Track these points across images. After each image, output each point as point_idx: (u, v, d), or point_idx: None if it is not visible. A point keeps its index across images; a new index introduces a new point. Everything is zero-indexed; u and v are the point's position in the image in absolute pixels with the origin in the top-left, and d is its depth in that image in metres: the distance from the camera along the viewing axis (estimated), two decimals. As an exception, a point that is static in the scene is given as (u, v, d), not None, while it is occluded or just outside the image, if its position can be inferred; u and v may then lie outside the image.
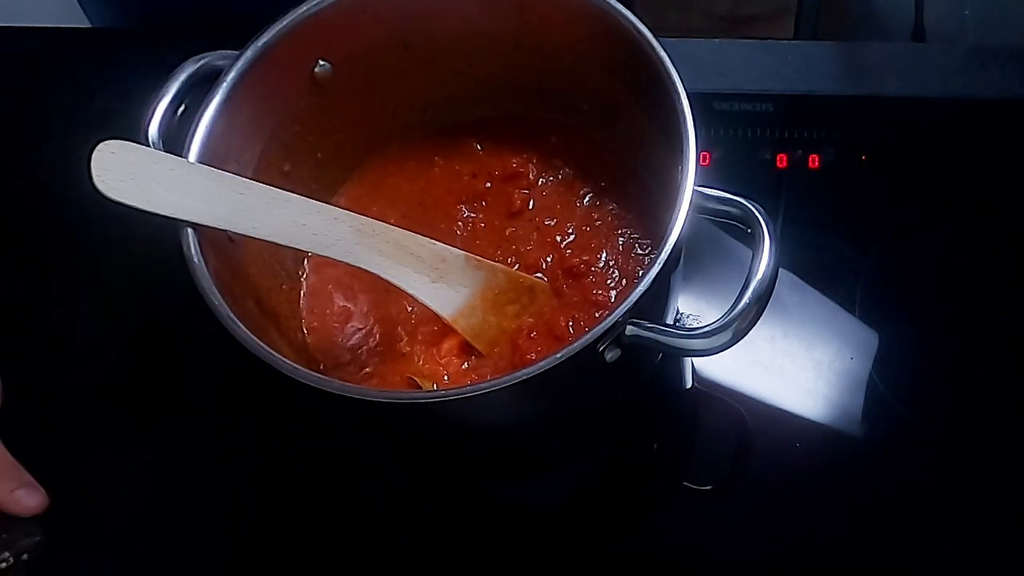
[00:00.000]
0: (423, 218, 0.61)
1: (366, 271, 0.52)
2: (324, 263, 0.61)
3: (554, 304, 0.57)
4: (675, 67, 0.50)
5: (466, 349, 0.56)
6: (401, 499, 0.61)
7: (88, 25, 0.85)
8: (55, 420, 0.64)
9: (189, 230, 0.49)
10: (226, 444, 0.63)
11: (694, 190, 0.47)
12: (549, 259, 0.58)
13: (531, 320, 0.56)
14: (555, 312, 0.56)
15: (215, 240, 0.51)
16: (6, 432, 0.59)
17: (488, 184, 0.62)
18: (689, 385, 0.63)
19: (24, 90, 0.77)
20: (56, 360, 0.67)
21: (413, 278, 0.53)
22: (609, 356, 0.46)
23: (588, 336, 0.44)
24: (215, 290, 0.48)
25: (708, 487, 0.61)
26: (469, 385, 0.44)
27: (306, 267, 0.61)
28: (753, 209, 0.47)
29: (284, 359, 0.46)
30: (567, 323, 0.56)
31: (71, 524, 0.62)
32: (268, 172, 0.58)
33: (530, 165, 0.62)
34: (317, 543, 0.59)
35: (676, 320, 0.63)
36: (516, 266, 0.59)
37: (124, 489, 0.62)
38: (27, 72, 0.78)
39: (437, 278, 0.54)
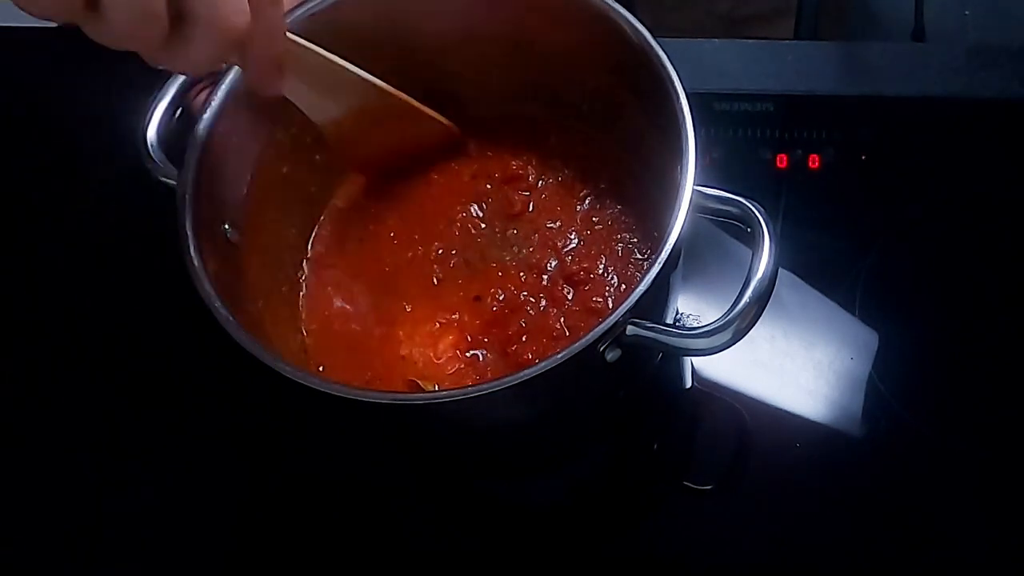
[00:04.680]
0: (423, 220, 0.61)
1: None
2: (323, 265, 0.61)
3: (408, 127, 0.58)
4: (674, 67, 0.50)
5: (464, 349, 0.56)
6: (401, 499, 0.61)
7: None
8: (55, 421, 0.65)
9: (189, 231, 0.49)
10: (225, 446, 0.63)
11: (694, 190, 0.47)
12: (551, 263, 0.58)
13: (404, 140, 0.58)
14: (552, 316, 0.56)
15: (214, 242, 0.51)
16: (6, 432, 0.59)
17: (488, 185, 0.62)
18: (689, 385, 0.63)
19: (23, 91, 0.77)
20: (56, 361, 0.67)
21: (302, 90, 0.53)
22: (610, 356, 0.46)
23: (589, 336, 0.44)
24: (214, 293, 0.48)
25: (708, 487, 0.61)
26: (470, 386, 0.44)
27: (305, 269, 0.61)
28: (753, 209, 0.47)
29: (284, 362, 0.46)
30: (564, 327, 0.56)
31: (71, 525, 0.62)
32: (267, 174, 0.58)
33: (529, 167, 0.62)
34: (317, 543, 0.59)
35: (676, 320, 0.63)
36: (520, 271, 0.59)
37: (124, 490, 0.62)
38: (26, 73, 0.78)
39: (326, 92, 0.54)
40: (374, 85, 0.56)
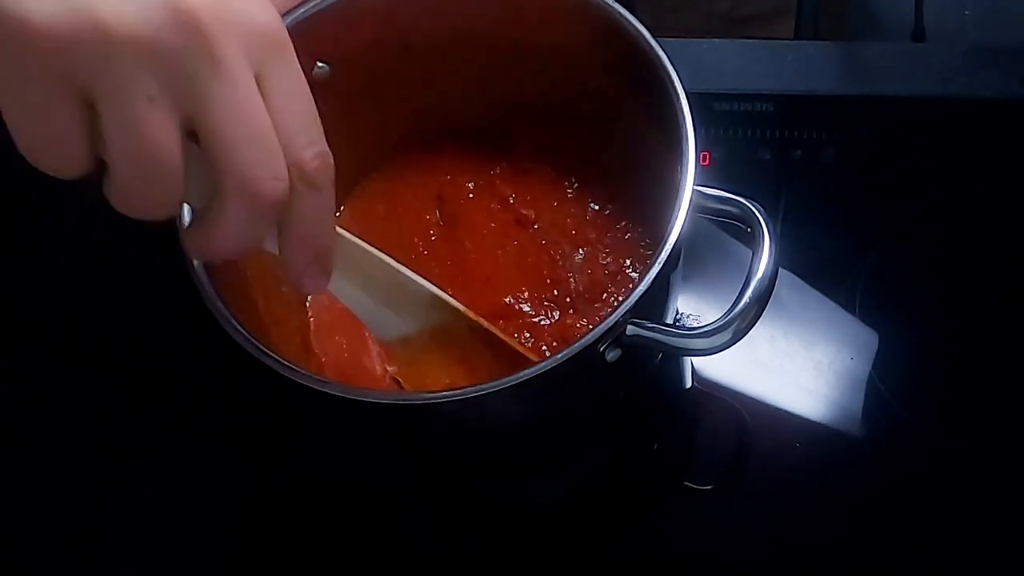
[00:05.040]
0: (423, 222, 0.61)
1: None
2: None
3: (488, 359, 0.51)
4: (674, 67, 0.50)
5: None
6: (401, 499, 0.61)
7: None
8: (55, 421, 0.65)
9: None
10: (225, 446, 0.63)
11: (694, 190, 0.47)
12: (550, 265, 0.58)
13: (463, 369, 0.51)
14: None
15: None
16: (6, 432, 0.59)
17: (488, 187, 0.62)
18: (689, 385, 0.63)
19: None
20: (56, 361, 0.67)
21: (356, 296, 0.47)
22: (610, 356, 0.46)
23: (589, 336, 0.44)
24: (215, 292, 0.47)
25: (708, 487, 0.61)
26: (470, 386, 0.44)
27: None
28: (753, 208, 0.47)
29: (284, 361, 0.46)
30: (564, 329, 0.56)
31: (71, 525, 0.62)
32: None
33: (529, 167, 0.62)
34: (317, 543, 0.59)
35: (676, 320, 0.63)
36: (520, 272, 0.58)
37: (124, 490, 0.62)
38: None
39: (386, 302, 0.48)
40: (445, 303, 0.49)
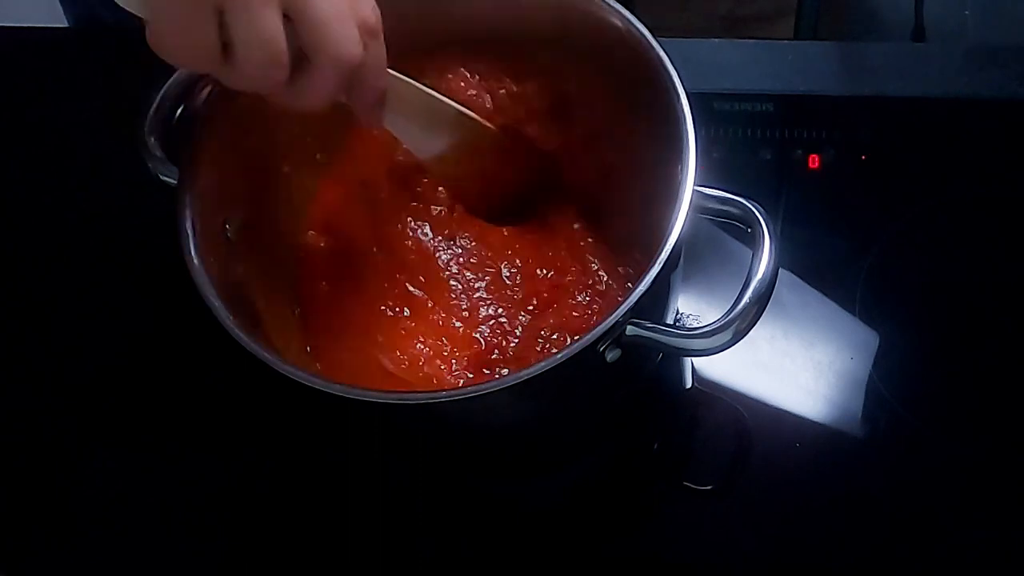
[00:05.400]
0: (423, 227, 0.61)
1: None
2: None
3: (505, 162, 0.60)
4: (675, 67, 0.50)
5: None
6: (401, 499, 0.61)
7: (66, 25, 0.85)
8: (55, 421, 0.65)
9: (189, 231, 0.49)
10: (225, 445, 0.63)
11: (694, 190, 0.47)
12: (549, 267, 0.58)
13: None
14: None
15: (215, 242, 0.51)
16: (5, 434, 0.59)
17: (486, 188, 0.62)
18: (689, 385, 0.63)
19: (23, 91, 0.77)
20: (56, 361, 0.67)
21: (403, 124, 0.55)
22: (609, 356, 0.46)
23: (588, 336, 0.44)
24: (214, 291, 0.48)
25: (708, 487, 0.61)
26: (470, 386, 0.44)
27: None
28: (753, 209, 0.47)
29: (284, 361, 0.46)
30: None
31: (71, 525, 0.62)
32: (267, 174, 0.57)
33: (528, 168, 0.61)
34: (317, 543, 0.59)
35: (676, 320, 0.63)
36: (516, 273, 0.59)
37: (124, 489, 0.62)
38: (26, 73, 0.78)
39: (426, 126, 0.56)
40: (469, 117, 0.57)
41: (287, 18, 0.42)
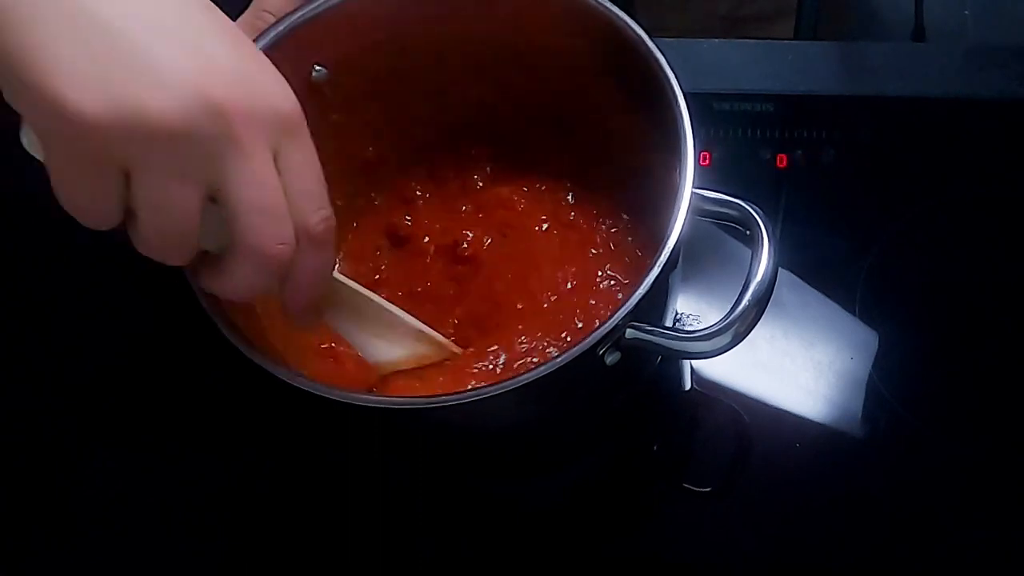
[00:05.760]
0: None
1: None
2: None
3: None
4: (671, 68, 0.49)
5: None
6: (401, 499, 0.61)
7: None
8: (55, 420, 0.65)
9: None
10: (224, 446, 0.63)
11: (693, 192, 0.46)
12: (547, 267, 0.58)
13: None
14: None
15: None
16: (5, 435, 0.59)
17: (487, 188, 0.62)
18: (688, 386, 0.63)
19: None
20: (55, 361, 0.67)
21: (350, 329, 0.52)
22: (609, 359, 0.46)
23: (588, 340, 0.44)
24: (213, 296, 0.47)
25: (708, 488, 0.61)
26: (469, 390, 0.44)
27: None
28: (752, 211, 0.47)
29: (283, 365, 0.46)
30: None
31: (71, 525, 0.62)
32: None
33: (527, 169, 0.61)
34: (317, 543, 0.59)
35: (676, 321, 0.63)
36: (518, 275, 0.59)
37: (124, 491, 0.62)
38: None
39: (379, 335, 0.53)
40: (431, 337, 0.54)
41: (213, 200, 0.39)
